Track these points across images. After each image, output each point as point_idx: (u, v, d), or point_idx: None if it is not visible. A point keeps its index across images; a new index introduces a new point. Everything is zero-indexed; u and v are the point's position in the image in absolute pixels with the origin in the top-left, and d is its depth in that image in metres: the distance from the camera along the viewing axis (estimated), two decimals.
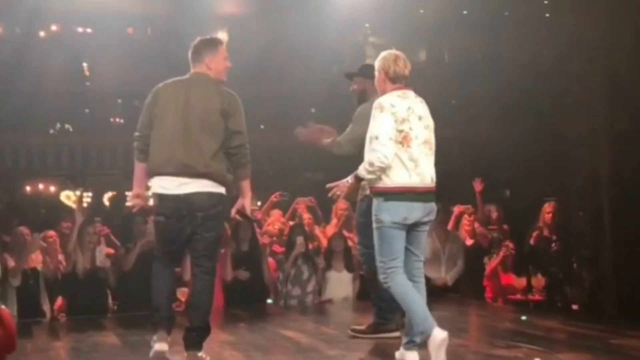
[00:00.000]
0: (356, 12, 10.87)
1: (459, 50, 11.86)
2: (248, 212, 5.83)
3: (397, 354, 5.27)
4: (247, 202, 5.63)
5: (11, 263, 8.10)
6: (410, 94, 5.46)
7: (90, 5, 10.88)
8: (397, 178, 5.22)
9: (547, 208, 9.61)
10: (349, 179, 5.48)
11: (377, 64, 5.62)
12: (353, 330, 6.78)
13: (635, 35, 8.07)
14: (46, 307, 8.38)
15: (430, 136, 5.46)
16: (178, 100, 5.38)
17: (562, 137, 9.19)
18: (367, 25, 12.69)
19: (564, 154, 9.27)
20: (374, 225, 5.33)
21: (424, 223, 5.36)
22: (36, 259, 8.31)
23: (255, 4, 11.26)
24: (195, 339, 5.35)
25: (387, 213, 5.22)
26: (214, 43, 5.67)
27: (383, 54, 5.67)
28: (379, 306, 6.60)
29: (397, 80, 5.46)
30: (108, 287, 8.76)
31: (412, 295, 5.19)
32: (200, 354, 5.32)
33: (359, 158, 5.41)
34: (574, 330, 7.05)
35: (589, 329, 6.95)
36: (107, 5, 10.90)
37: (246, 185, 5.56)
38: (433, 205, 5.40)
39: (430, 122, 5.46)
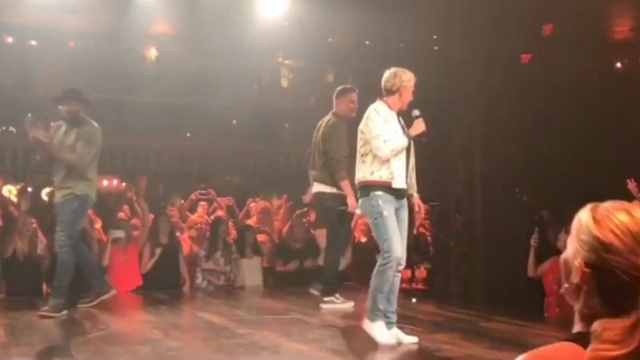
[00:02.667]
0: (274, 38, 10.90)
1: (361, 75, 11.99)
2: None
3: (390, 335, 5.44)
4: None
5: None
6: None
7: (37, 21, 10.67)
8: None
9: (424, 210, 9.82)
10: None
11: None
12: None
13: (509, 69, 8.34)
14: None
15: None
16: None
17: (445, 152, 9.40)
18: (280, 54, 12.74)
19: (447, 166, 9.48)
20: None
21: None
22: None
23: (185, 27, 11.16)
24: None
25: None
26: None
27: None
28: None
29: None
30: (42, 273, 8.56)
31: None
32: None
33: None
34: (449, 314, 7.21)
35: (462, 314, 7.12)
36: (51, 21, 10.69)
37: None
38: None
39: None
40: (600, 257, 1.55)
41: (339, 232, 7.61)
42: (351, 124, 6.86)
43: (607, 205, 1.60)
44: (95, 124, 7.18)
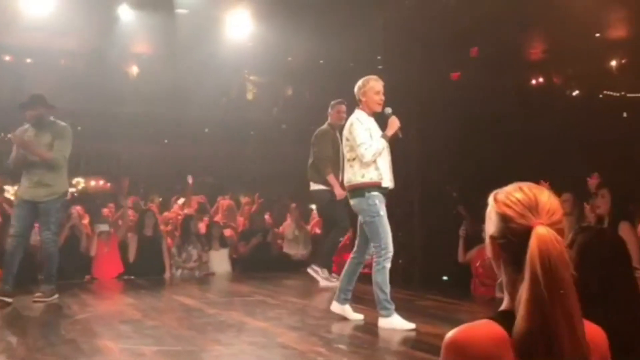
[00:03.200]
0: (240, 57, 10.90)
1: (317, 89, 12.03)
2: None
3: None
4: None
5: None
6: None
7: (32, 42, 10.56)
8: None
9: None
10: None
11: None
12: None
13: (441, 85, 8.46)
14: None
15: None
16: None
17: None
18: (246, 70, 12.76)
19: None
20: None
21: None
22: None
23: (162, 46, 11.10)
24: None
25: None
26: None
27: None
28: None
29: None
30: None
31: None
32: None
33: None
34: (391, 295, 7.28)
35: (402, 294, 7.17)
36: (45, 42, 10.59)
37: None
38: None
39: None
40: (500, 228, 1.62)
41: (334, 220, 7.63)
42: None
43: (506, 187, 1.68)
44: (64, 124, 6.75)
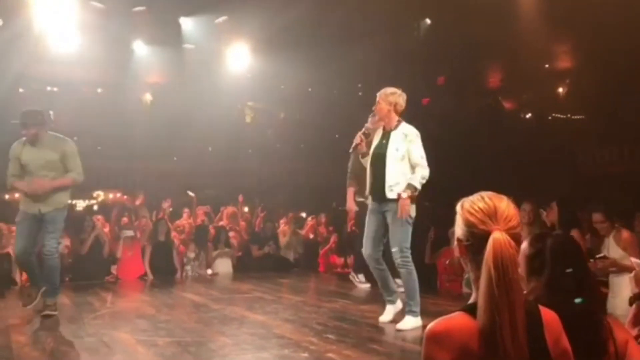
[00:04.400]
0: (240, 86, 10.93)
1: (306, 113, 12.07)
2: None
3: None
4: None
5: None
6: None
7: (58, 73, 10.53)
8: None
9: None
10: (404, 194, 4.62)
11: (388, 98, 4.80)
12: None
13: (412, 109, 8.49)
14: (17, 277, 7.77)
15: None
16: None
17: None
18: (244, 97, 12.79)
19: None
20: (408, 222, 4.69)
21: None
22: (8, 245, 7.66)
23: (172, 76, 11.13)
24: None
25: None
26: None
27: (391, 90, 4.84)
28: None
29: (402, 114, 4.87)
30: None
31: None
32: None
33: None
34: (373, 291, 7.26)
35: (379, 290, 7.17)
36: (69, 73, 10.56)
37: None
38: None
39: None
40: (465, 232, 1.65)
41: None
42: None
43: (471, 197, 1.70)
44: (66, 139, 5.65)
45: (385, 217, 4.80)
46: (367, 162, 4.89)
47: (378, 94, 4.86)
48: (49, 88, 12.48)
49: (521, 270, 1.60)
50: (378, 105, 4.84)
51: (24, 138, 5.48)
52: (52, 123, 5.86)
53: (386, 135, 4.84)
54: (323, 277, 9.25)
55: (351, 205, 6.61)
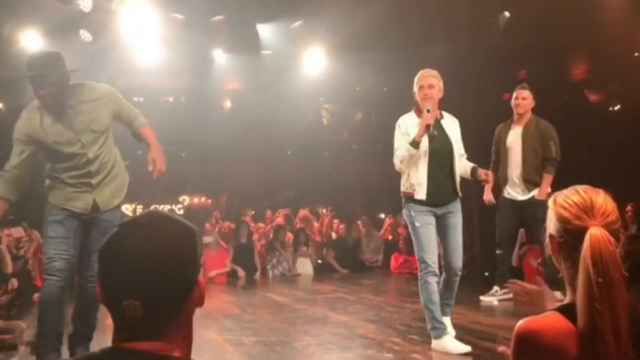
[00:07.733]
0: (316, 88, 11.01)
1: (382, 114, 11.99)
2: None
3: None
4: None
5: None
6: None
7: (143, 82, 10.98)
8: None
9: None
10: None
11: (440, 80, 4.29)
12: None
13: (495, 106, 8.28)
14: None
15: None
16: None
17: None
18: (321, 99, 12.86)
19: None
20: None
21: None
22: None
23: (250, 82, 11.33)
24: None
25: None
26: None
27: (432, 71, 4.31)
28: None
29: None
30: None
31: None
32: None
33: None
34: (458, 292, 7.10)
35: (465, 290, 7.02)
36: (154, 82, 11.00)
37: None
38: None
39: None
40: (558, 229, 1.57)
41: None
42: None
43: (564, 190, 1.62)
44: (104, 86, 3.89)
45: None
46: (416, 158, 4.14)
47: (425, 76, 4.29)
48: (135, 98, 13.03)
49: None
50: (434, 89, 4.22)
51: (36, 103, 3.70)
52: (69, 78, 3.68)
53: (437, 126, 4.19)
54: (403, 278, 9.18)
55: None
